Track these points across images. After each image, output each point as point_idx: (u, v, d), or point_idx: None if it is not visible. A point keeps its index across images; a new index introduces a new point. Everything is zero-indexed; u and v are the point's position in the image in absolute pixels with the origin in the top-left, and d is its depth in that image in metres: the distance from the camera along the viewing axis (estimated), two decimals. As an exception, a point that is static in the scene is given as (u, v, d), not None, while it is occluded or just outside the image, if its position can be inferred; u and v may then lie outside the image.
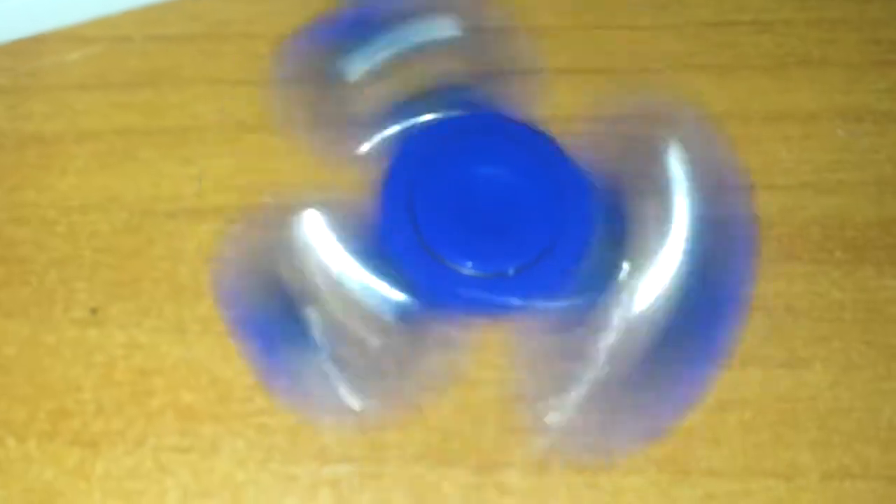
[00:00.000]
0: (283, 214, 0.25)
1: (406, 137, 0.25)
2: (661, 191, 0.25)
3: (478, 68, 0.27)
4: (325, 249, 0.24)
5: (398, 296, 0.24)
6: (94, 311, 0.25)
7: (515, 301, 0.24)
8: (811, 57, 0.28)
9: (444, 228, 0.24)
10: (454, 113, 0.26)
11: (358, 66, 0.26)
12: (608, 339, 0.24)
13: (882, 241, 0.26)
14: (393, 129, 0.25)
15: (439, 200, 0.24)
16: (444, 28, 0.27)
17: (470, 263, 0.24)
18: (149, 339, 0.24)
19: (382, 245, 0.24)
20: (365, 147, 0.25)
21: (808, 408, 0.24)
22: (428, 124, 0.25)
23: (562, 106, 0.27)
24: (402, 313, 0.24)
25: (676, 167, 0.25)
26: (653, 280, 0.24)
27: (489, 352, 0.24)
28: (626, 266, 0.25)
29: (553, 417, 0.24)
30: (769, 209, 0.26)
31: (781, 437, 0.24)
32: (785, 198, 0.27)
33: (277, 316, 0.24)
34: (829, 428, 0.24)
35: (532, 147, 0.25)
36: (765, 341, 0.25)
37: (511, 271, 0.24)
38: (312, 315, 0.23)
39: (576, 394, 0.24)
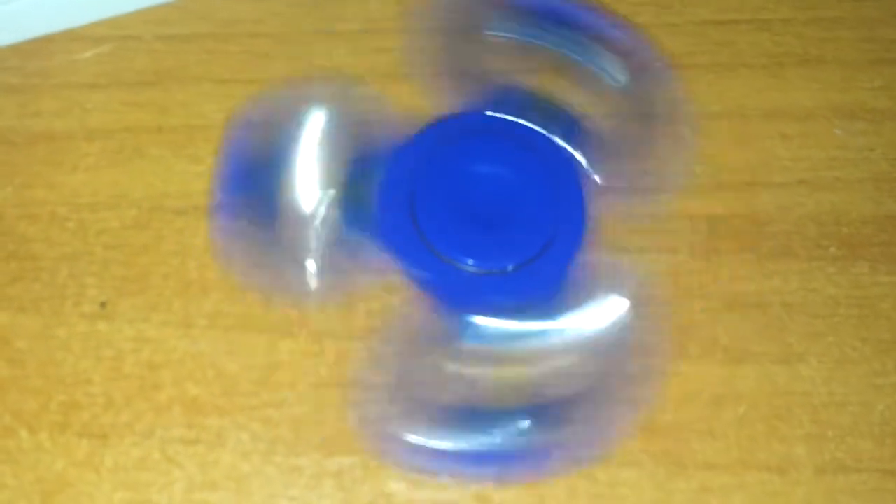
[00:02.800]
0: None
1: (406, 138, 0.26)
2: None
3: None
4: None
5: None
6: (103, 305, 0.25)
7: (514, 297, 0.25)
8: (809, 55, 0.29)
9: (444, 226, 0.25)
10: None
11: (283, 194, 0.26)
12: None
13: (877, 238, 0.27)
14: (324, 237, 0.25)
15: (439, 198, 0.25)
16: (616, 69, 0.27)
17: (470, 260, 0.25)
18: (157, 334, 0.25)
19: (383, 241, 0.25)
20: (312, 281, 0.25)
21: (803, 402, 0.25)
22: (427, 125, 0.26)
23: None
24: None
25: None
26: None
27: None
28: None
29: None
30: (766, 206, 0.27)
31: (776, 431, 0.25)
32: (781, 195, 0.27)
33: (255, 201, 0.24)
34: (823, 422, 0.25)
35: (529, 145, 0.26)
36: (760, 337, 0.25)
37: (510, 268, 0.25)
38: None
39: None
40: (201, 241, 0.26)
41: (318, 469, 0.24)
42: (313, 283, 0.25)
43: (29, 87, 0.28)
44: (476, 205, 0.25)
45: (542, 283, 0.25)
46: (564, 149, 0.26)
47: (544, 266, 0.25)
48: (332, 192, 0.25)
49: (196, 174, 0.27)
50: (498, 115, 0.26)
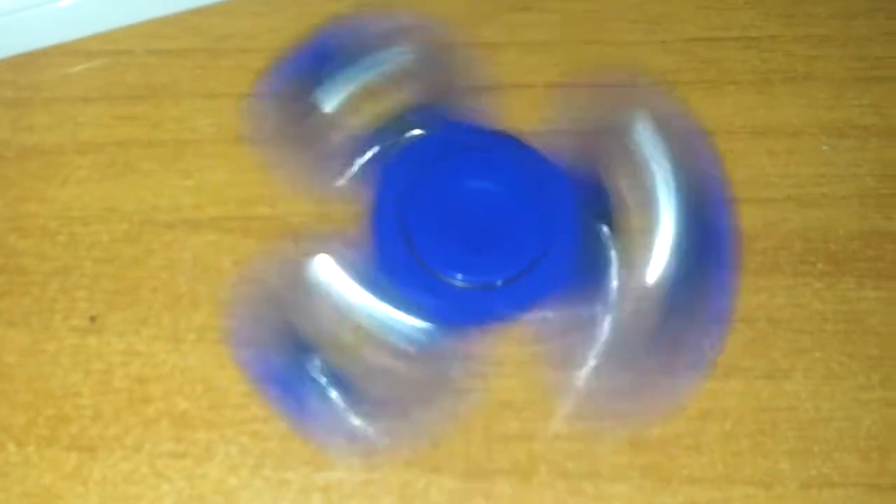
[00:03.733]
0: (289, 251, 0.25)
1: (394, 155, 0.26)
2: (647, 203, 0.26)
3: (446, 89, 0.27)
4: (334, 287, 0.24)
5: (413, 322, 0.24)
6: (93, 319, 0.25)
7: (505, 311, 0.25)
8: (796, 73, 0.29)
9: (435, 243, 0.25)
10: (430, 131, 0.26)
11: (331, 98, 0.26)
12: (594, 348, 0.25)
13: (863, 254, 0.27)
14: (369, 156, 0.26)
15: (429, 216, 0.25)
16: (408, 52, 0.27)
17: (460, 276, 0.25)
18: (146, 347, 0.25)
19: (376, 263, 0.25)
20: (343, 179, 0.26)
21: (788, 417, 0.25)
22: (414, 141, 0.26)
23: (551, 120, 0.27)
24: (418, 339, 0.24)
25: (662, 178, 0.26)
26: (639, 289, 0.25)
27: (476, 361, 0.25)
28: (612, 274, 0.25)
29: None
30: (753, 222, 0.27)
31: (761, 446, 0.25)
32: (769, 211, 0.27)
33: (286, 353, 0.24)
34: (809, 437, 0.25)
35: (519, 159, 0.26)
36: (746, 352, 0.26)
37: (499, 283, 0.25)
38: (318, 352, 0.24)
39: (563, 402, 0.25)
40: (191, 254, 0.26)
41: (306, 483, 0.24)
42: (341, 179, 0.26)
43: (21, 101, 0.28)
44: (466, 219, 0.25)
45: (532, 296, 0.25)
46: (555, 164, 0.26)
47: (534, 280, 0.25)
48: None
49: (186, 188, 0.27)
50: (488, 129, 0.27)
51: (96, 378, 0.25)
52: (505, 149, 0.26)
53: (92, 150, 0.27)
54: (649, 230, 0.25)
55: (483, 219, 0.25)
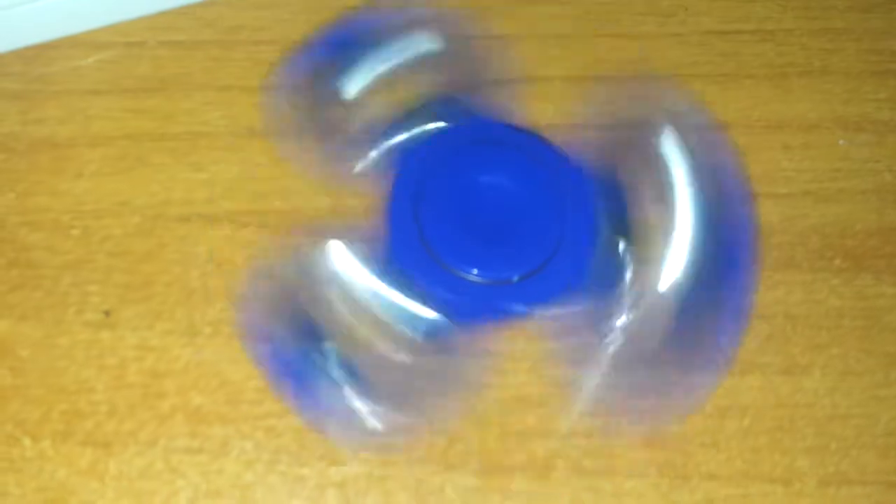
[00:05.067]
0: (303, 243, 0.25)
1: (410, 148, 0.26)
2: (665, 198, 0.25)
3: (464, 80, 0.27)
4: (349, 278, 0.24)
5: (427, 313, 0.24)
6: (106, 313, 0.25)
7: (520, 307, 0.25)
8: (812, 66, 0.29)
9: (450, 237, 0.25)
10: (448, 124, 0.26)
11: (352, 85, 0.26)
12: (612, 344, 0.24)
13: (881, 250, 0.27)
14: (387, 146, 0.26)
15: (444, 210, 0.25)
16: (426, 42, 0.27)
17: (475, 271, 0.24)
18: (160, 342, 0.25)
19: (391, 257, 0.24)
20: (360, 166, 0.26)
21: (806, 414, 0.25)
22: (431, 134, 0.26)
23: (568, 113, 0.27)
24: (425, 329, 0.24)
25: (681, 174, 0.25)
26: (656, 286, 0.25)
27: (492, 356, 0.25)
28: (630, 271, 0.25)
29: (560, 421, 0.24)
30: (770, 217, 0.27)
31: (779, 443, 0.25)
32: (785, 206, 0.27)
33: (301, 347, 0.24)
34: (827, 434, 0.25)
35: (535, 154, 0.26)
36: (764, 348, 0.25)
37: (515, 278, 0.25)
38: (333, 345, 0.24)
39: (580, 398, 0.24)
40: (204, 248, 0.26)
41: (321, 479, 0.24)
42: (359, 166, 0.25)
43: (31, 94, 0.27)
44: (481, 215, 0.25)
45: (547, 293, 0.25)
46: (572, 160, 0.26)
47: (549, 276, 0.25)
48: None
49: (199, 182, 0.27)
50: (505, 124, 0.26)
51: (110, 373, 0.24)
52: (522, 144, 0.26)
53: (103, 143, 0.27)
54: (668, 227, 0.25)
55: (498, 214, 0.25)
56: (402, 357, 0.24)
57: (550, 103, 0.27)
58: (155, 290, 0.25)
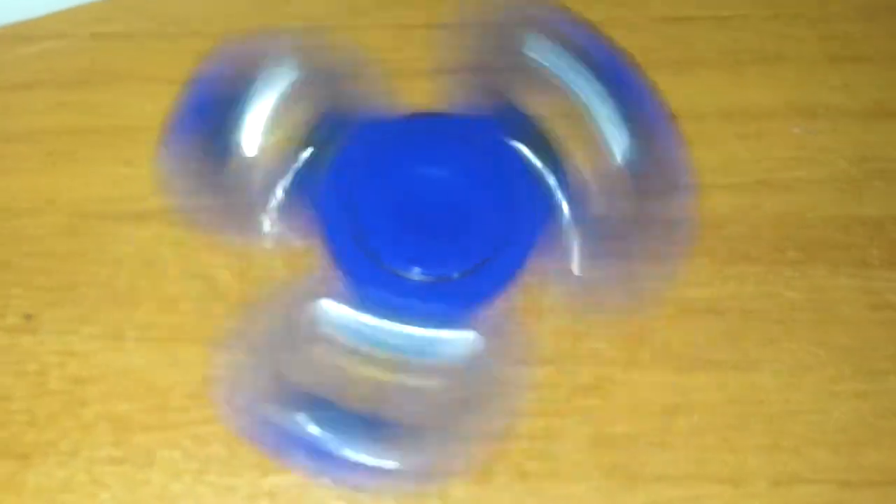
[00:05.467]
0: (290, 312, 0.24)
1: (345, 141, 0.25)
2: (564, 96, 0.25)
3: (338, 95, 0.26)
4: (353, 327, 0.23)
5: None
6: (28, 317, 0.24)
7: (460, 305, 0.24)
8: (766, 53, 0.28)
9: (388, 234, 0.24)
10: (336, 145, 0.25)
11: (247, 138, 0.25)
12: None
13: (837, 240, 0.26)
14: (284, 187, 0.25)
15: (382, 205, 0.24)
16: (288, 73, 0.25)
17: (414, 268, 0.24)
18: (84, 347, 0.24)
19: (338, 269, 0.24)
20: (266, 223, 0.25)
21: (758, 411, 0.24)
22: (367, 127, 0.25)
23: (442, 67, 0.26)
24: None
25: (579, 75, 0.25)
26: (602, 180, 0.24)
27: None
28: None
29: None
30: (723, 209, 0.26)
31: (730, 442, 0.24)
32: (739, 197, 0.26)
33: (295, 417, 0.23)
34: (779, 431, 0.24)
35: (476, 145, 0.25)
36: (714, 344, 0.25)
37: (456, 275, 0.24)
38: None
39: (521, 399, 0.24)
40: (132, 248, 0.25)
41: (253, 489, 0.23)
42: (266, 226, 0.24)
43: (-47, 88, 0.26)
44: (421, 210, 0.24)
45: (488, 290, 0.24)
46: (519, 152, 0.25)
47: (491, 273, 0.24)
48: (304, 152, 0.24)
49: (128, 178, 0.26)
50: (446, 113, 0.25)
51: (30, 380, 0.24)
52: (464, 135, 0.25)
53: (25, 139, 0.26)
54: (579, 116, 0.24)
55: (439, 208, 0.24)
56: (433, 383, 0.23)
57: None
58: (79, 292, 0.24)
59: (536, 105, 0.25)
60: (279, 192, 0.25)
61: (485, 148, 0.25)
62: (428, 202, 0.24)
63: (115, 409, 0.23)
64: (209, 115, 0.25)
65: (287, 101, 0.25)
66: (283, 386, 0.23)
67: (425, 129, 0.25)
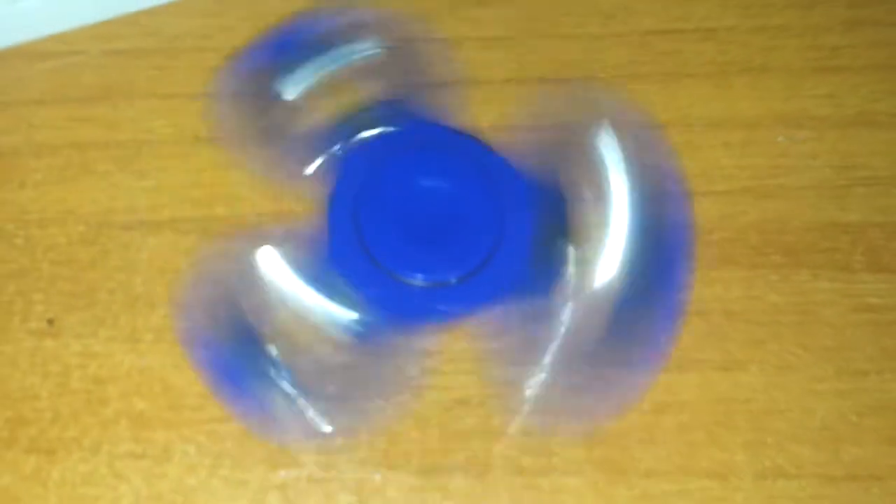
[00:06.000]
0: (241, 249, 0.25)
1: (350, 153, 0.26)
2: (602, 197, 0.26)
3: (406, 83, 0.27)
4: (283, 283, 0.24)
5: (353, 315, 0.25)
6: (50, 321, 0.25)
7: (458, 309, 0.25)
8: (753, 64, 0.29)
9: (389, 241, 0.25)
10: (391, 127, 0.26)
11: (294, 87, 0.26)
12: (550, 343, 0.25)
13: (819, 245, 0.27)
14: (335, 148, 0.26)
15: (384, 214, 0.25)
16: (368, 46, 0.27)
17: (415, 275, 0.25)
18: (103, 349, 0.25)
19: (331, 261, 0.25)
20: (310, 168, 0.26)
21: (743, 409, 0.25)
22: (372, 139, 0.26)
23: (508, 115, 0.28)
24: (361, 331, 0.25)
25: (617, 174, 0.26)
26: (593, 284, 0.25)
27: (432, 357, 0.25)
28: (569, 271, 0.25)
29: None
30: (709, 214, 0.27)
31: (716, 438, 0.25)
32: (724, 203, 0.27)
33: (242, 351, 0.24)
34: (763, 428, 0.25)
35: (473, 157, 0.26)
36: (702, 345, 0.26)
37: (454, 280, 0.25)
38: (273, 349, 0.24)
39: (518, 399, 0.25)
40: (148, 256, 0.26)
41: (263, 482, 0.24)
42: (307, 170, 0.26)
43: (-25, 105, 0.28)
44: (420, 218, 0.25)
45: (485, 294, 0.25)
46: (510, 162, 0.26)
47: (487, 278, 0.25)
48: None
49: (143, 189, 0.27)
50: (445, 127, 0.27)
51: (54, 380, 0.25)
52: (461, 147, 0.26)
53: (47, 153, 0.27)
54: (604, 224, 0.25)
55: (437, 217, 0.25)
56: (339, 359, 0.24)
57: (491, 105, 0.28)
58: (98, 297, 0.26)
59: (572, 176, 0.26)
60: (327, 153, 0.26)
61: (483, 161, 0.26)
62: (428, 212, 0.25)
63: (134, 407, 0.25)
64: (274, 62, 0.27)
65: (357, 71, 0.26)
66: (241, 326, 0.24)
67: (426, 141, 0.26)
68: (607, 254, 0.25)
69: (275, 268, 0.24)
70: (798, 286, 0.27)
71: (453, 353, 0.25)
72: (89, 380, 0.25)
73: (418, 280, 0.25)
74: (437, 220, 0.25)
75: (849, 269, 0.27)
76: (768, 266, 0.27)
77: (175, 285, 0.26)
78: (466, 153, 0.26)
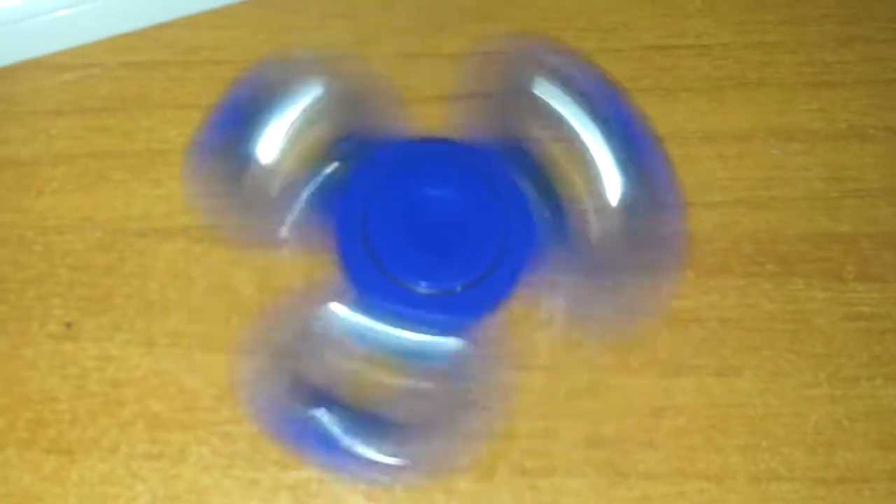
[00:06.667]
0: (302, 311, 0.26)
1: (345, 180, 0.27)
2: (578, 153, 0.26)
3: (361, 115, 0.28)
4: (358, 331, 0.25)
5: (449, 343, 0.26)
6: (68, 325, 0.26)
7: (463, 315, 0.26)
8: (747, 79, 0.30)
9: (396, 247, 0.26)
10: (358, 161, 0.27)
11: (265, 148, 0.26)
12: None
13: (812, 255, 0.28)
14: (305, 199, 0.27)
15: (391, 222, 0.26)
16: (315, 89, 0.27)
17: (420, 281, 0.26)
18: (120, 352, 0.26)
19: (348, 279, 0.25)
20: (285, 229, 0.26)
21: (739, 414, 0.26)
22: (362, 164, 0.27)
23: (459, 89, 0.28)
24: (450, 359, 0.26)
25: (572, 115, 0.27)
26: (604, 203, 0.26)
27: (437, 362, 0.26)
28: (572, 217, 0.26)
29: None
30: (705, 225, 0.28)
31: (713, 442, 0.26)
32: (720, 214, 0.28)
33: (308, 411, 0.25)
34: (758, 432, 0.26)
35: (477, 169, 0.27)
36: (698, 351, 0.27)
37: (459, 288, 0.26)
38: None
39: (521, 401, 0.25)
40: (163, 262, 0.27)
41: (274, 482, 0.25)
42: (284, 231, 0.26)
43: (-5, 114, 0.28)
44: (427, 228, 0.26)
45: (489, 302, 0.26)
46: (513, 174, 0.27)
47: (491, 286, 0.26)
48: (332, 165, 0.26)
49: (157, 197, 0.28)
50: (451, 140, 0.27)
51: (73, 382, 0.25)
52: (465, 159, 0.27)
53: (65, 162, 0.28)
54: (587, 164, 0.26)
55: (444, 226, 0.26)
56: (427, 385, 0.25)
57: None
58: (115, 302, 0.26)
59: (537, 136, 0.27)
60: (298, 205, 0.26)
61: (485, 173, 0.27)
62: (434, 221, 0.26)
63: (150, 409, 0.25)
64: (233, 130, 0.27)
65: (309, 118, 0.27)
66: (302, 387, 0.25)
67: (432, 154, 0.27)
68: (605, 185, 0.26)
69: (344, 320, 0.25)
70: (791, 294, 0.27)
71: (460, 356, 0.26)
72: (107, 382, 0.26)
73: (424, 287, 0.26)
74: (444, 230, 0.26)
75: (840, 279, 0.28)
76: (762, 275, 0.28)
77: (189, 291, 0.26)
78: (472, 165, 0.27)
